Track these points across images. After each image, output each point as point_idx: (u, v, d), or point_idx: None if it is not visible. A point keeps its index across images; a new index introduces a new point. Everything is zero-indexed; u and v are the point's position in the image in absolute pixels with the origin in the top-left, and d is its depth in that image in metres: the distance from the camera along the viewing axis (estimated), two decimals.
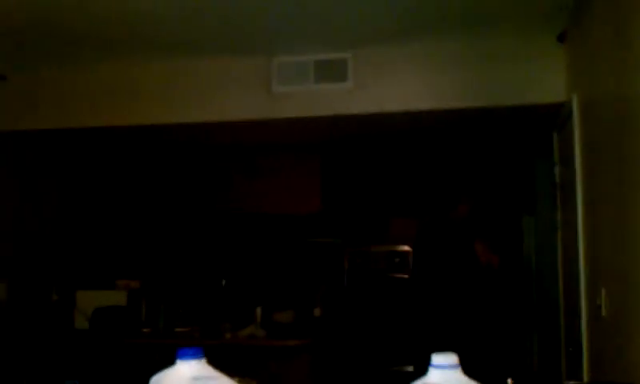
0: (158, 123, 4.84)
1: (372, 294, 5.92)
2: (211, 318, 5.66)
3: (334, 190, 6.00)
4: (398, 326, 5.79)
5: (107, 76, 4.79)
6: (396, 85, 4.41)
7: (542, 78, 4.17)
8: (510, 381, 1.84)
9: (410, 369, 4.97)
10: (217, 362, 1.11)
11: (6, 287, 5.07)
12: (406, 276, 5.77)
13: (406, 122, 4.84)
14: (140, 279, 5.80)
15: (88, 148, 5.88)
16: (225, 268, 6.13)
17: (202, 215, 6.03)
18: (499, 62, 4.26)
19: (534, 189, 5.55)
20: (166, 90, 4.75)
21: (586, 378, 3.43)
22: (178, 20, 3.93)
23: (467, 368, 1.03)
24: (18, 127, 4.93)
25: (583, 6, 3.46)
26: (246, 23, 3.98)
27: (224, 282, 6.05)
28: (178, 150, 5.94)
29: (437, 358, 1.01)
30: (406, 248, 5.88)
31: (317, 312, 5.73)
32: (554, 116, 4.20)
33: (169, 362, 1.11)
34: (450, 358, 1.01)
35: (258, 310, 5.56)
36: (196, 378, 1.07)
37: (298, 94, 4.55)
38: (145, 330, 5.53)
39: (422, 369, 1.06)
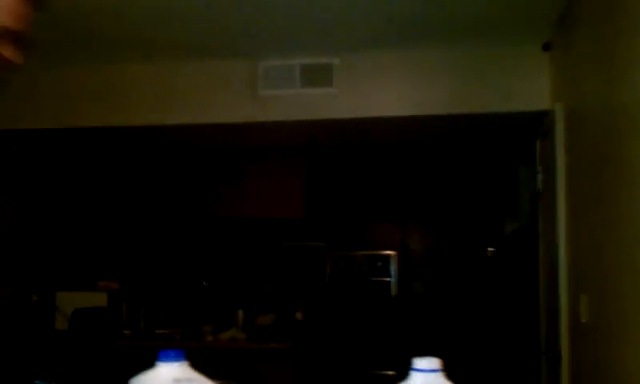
0: (143, 125, 4.83)
1: (354, 298, 5.93)
2: (192, 321, 5.63)
3: (318, 194, 6.01)
4: (380, 329, 5.81)
5: (91, 79, 4.77)
6: (381, 91, 4.43)
7: (526, 87, 4.21)
8: None
9: (392, 373, 4.98)
10: (198, 365, 1.11)
11: None
12: (388, 279, 5.81)
13: (390, 127, 4.87)
14: (120, 280, 5.76)
15: (70, 149, 5.84)
16: (207, 270, 6.11)
17: (186, 217, 6.01)
18: (484, 69, 4.29)
19: (517, 195, 5.59)
20: (151, 93, 4.73)
21: None
22: (165, 23, 3.92)
23: (451, 373, 1.03)
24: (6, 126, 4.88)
25: (568, 16, 3.50)
26: (232, 27, 3.98)
27: (205, 284, 6.03)
28: (162, 152, 5.92)
29: (418, 362, 1.01)
30: (388, 252, 5.91)
31: (299, 315, 5.73)
32: (537, 124, 4.24)
33: (149, 364, 1.10)
34: (432, 362, 1.01)
35: (240, 313, 5.55)
36: (177, 380, 1.07)
37: (284, 97, 4.55)
38: (125, 331, 5.49)
39: (404, 373, 1.06)
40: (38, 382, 3.17)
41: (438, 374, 1.01)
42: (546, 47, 4.07)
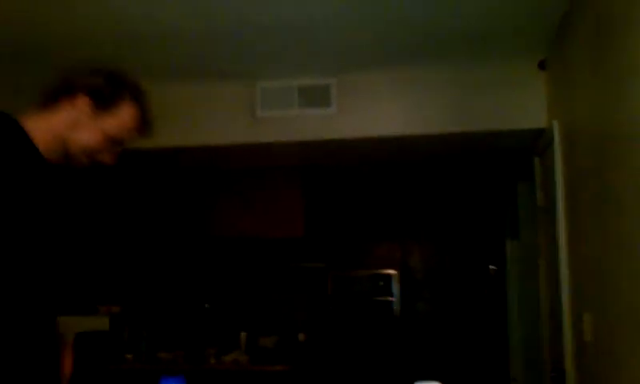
0: (142, 147, 4.81)
1: (357, 318, 5.91)
2: (195, 343, 5.62)
3: (318, 213, 6.01)
4: (384, 350, 5.79)
5: None
6: (379, 110, 4.45)
7: (523, 105, 4.23)
8: None
9: None
10: None
11: None
12: (391, 299, 5.80)
13: (389, 146, 4.88)
14: (122, 304, 5.75)
15: (67, 173, 5.83)
16: (208, 292, 6.10)
17: (186, 239, 6.00)
18: (481, 88, 4.31)
19: (516, 212, 5.60)
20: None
21: None
22: (164, 46, 3.94)
23: None
24: None
25: (564, 34, 3.53)
26: (231, 48, 4.00)
27: (207, 306, 6.01)
28: (162, 174, 5.93)
29: None
30: (389, 271, 5.90)
31: (301, 337, 5.71)
32: (535, 141, 4.26)
33: None
34: None
35: (243, 335, 5.53)
36: None
37: (282, 118, 4.57)
38: (127, 355, 5.47)
39: None
40: None
41: None
42: (542, 65, 4.09)
